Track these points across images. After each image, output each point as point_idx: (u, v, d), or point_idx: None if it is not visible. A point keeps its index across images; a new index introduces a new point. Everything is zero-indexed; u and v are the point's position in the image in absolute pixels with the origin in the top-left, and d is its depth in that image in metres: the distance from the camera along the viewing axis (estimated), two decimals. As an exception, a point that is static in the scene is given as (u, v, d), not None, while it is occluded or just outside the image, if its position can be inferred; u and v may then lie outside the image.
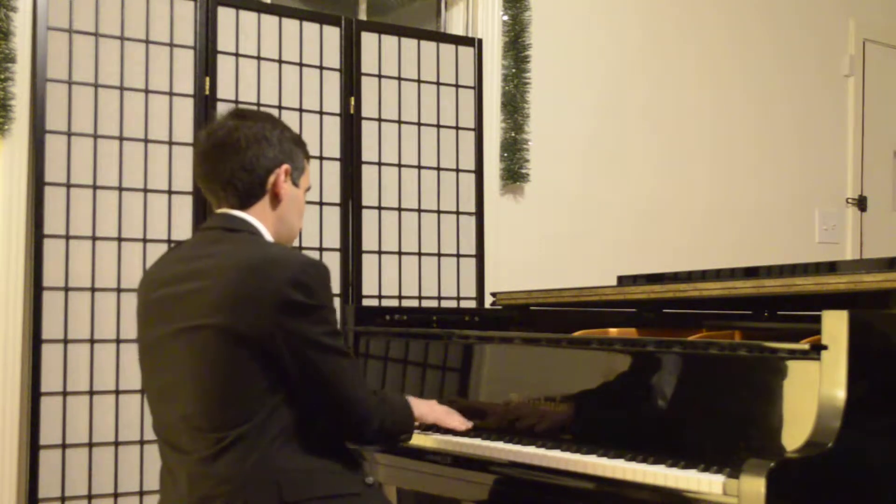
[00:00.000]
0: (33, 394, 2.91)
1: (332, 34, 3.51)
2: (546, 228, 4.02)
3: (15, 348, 2.94)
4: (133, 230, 3.11)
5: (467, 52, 3.79)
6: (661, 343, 2.06)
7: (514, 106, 3.89)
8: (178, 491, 1.81)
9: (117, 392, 3.03)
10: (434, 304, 3.64)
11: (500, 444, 2.16)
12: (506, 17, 3.90)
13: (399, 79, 3.63)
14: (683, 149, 4.45)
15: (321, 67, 3.48)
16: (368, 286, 3.51)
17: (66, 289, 2.98)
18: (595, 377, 2.17)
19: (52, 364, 2.94)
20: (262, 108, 3.24)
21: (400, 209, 3.61)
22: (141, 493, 3.04)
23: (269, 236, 1.92)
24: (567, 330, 2.43)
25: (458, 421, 2.27)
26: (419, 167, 3.66)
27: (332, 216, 3.45)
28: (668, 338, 2.08)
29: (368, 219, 3.53)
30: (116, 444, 3.02)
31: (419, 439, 2.24)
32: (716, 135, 4.56)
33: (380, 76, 3.59)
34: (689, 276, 2.73)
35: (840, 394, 1.74)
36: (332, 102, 3.50)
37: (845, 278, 2.09)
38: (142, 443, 3.05)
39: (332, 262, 3.42)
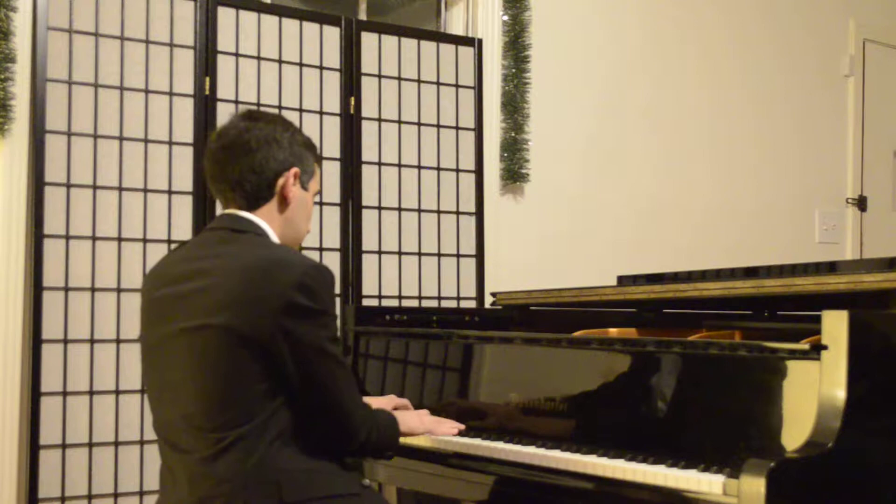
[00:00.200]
0: (33, 394, 2.91)
1: (332, 34, 3.51)
2: (546, 228, 4.02)
3: (15, 348, 2.94)
4: (133, 230, 3.11)
5: (467, 52, 3.79)
6: (661, 343, 2.06)
7: (514, 106, 3.89)
8: (178, 490, 1.81)
9: (117, 392, 3.03)
10: (434, 304, 3.64)
11: (500, 444, 2.16)
12: (506, 17, 3.90)
13: (399, 79, 3.63)
14: (683, 149, 4.45)
15: (321, 67, 3.48)
16: (368, 286, 3.51)
17: (66, 289, 2.98)
18: (595, 377, 2.17)
19: (52, 364, 2.94)
20: (262, 109, 3.24)
21: (400, 209, 3.61)
22: (141, 493, 3.04)
23: (275, 238, 1.91)
24: (567, 330, 2.43)
25: (448, 427, 2.26)
26: (419, 167, 3.66)
27: (332, 216, 3.45)
28: (668, 338, 2.08)
29: (368, 219, 3.53)
30: (116, 444, 3.02)
31: (419, 439, 2.24)
32: (716, 135, 4.56)
33: (380, 76, 3.59)
34: (689, 276, 2.73)
35: (840, 394, 1.74)
36: (332, 102, 3.50)
37: (845, 278, 2.09)
38: (142, 443, 3.05)
39: (332, 261, 3.42)
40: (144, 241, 3.12)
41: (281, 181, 1.91)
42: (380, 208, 3.56)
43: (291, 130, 1.95)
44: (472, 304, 3.70)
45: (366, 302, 3.47)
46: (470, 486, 2.24)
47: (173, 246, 3.09)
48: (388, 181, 3.59)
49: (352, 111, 3.52)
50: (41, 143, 2.95)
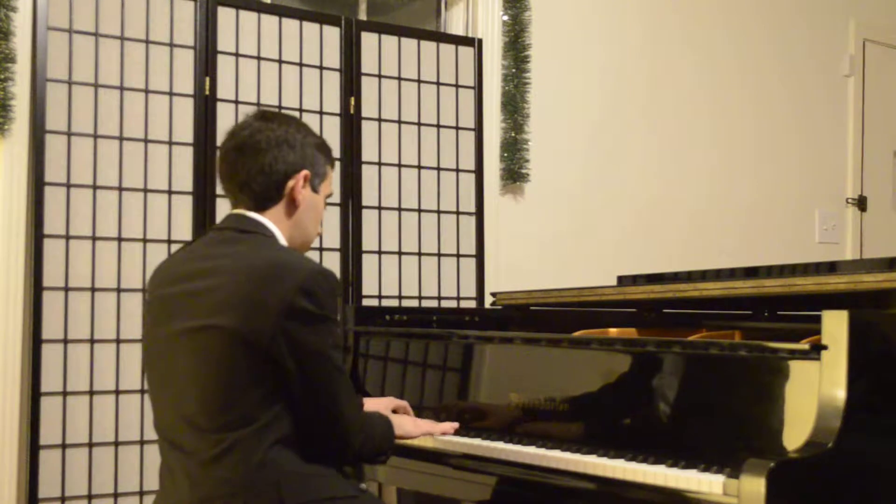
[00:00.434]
0: (33, 394, 2.91)
1: (332, 34, 3.51)
2: (546, 228, 4.02)
3: (15, 348, 2.94)
4: (133, 230, 3.11)
5: (467, 52, 3.79)
6: (661, 343, 2.06)
7: (514, 106, 3.89)
8: (178, 490, 1.81)
9: (117, 392, 3.03)
10: (434, 304, 3.64)
11: (500, 444, 2.16)
12: (506, 17, 3.90)
13: (399, 79, 3.63)
14: (683, 149, 4.45)
15: (321, 67, 3.48)
16: (368, 286, 3.51)
17: (66, 289, 2.98)
18: (595, 377, 2.17)
19: (52, 364, 2.94)
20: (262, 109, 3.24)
21: (400, 209, 3.61)
22: (141, 493, 3.04)
23: (283, 240, 1.90)
24: (567, 330, 2.43)
25: (443, 428, 2.25)
26: (419, 167, 3.66)
27: (332, 216, 3.45)
28: (668, 338, 2.08)
29: (368, 219, 3.53)
30: (116, 444, 3.02)
31: (419, 440, 2.24)
32: (716, 135, 4.56)
33: (380, 76, 3.59)
34: (690, 276, 2.73)
35: (840, 394, 1.74)
36: (332, 102, 3.50)
37: (845, 278, 2.08)
38: (142, 443, 3.05)
39: (332, 261, 3.43)
40: (144, 241, 3.12)
41: (290, 183, 1.90)
42: (380, 208, 3.56)
43: (304, 132, 1.94)
44: (472, 305, 3.70)
45: (366, 302, 3.47)
46: (470, 487, 2.24)
47: (173, 246, 3.11)
48: (388, 181, 3.59)
49: (352, 111, 3.52)
50: (41, 143, 2.95)
